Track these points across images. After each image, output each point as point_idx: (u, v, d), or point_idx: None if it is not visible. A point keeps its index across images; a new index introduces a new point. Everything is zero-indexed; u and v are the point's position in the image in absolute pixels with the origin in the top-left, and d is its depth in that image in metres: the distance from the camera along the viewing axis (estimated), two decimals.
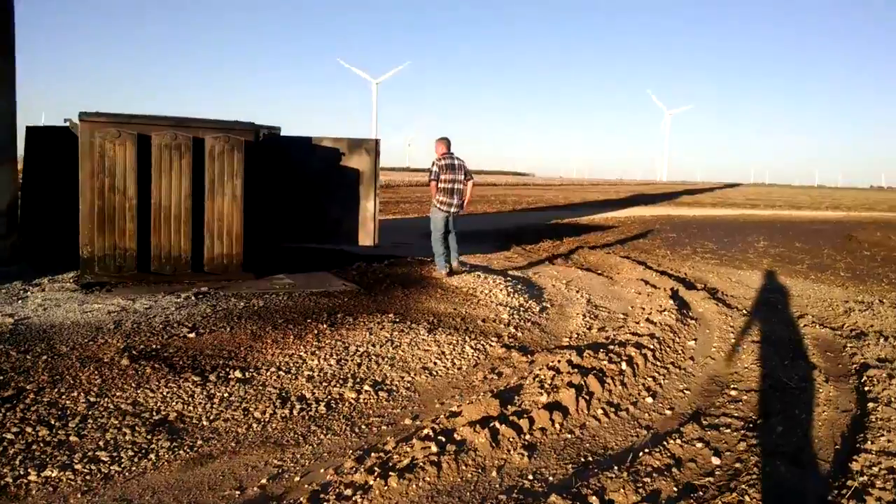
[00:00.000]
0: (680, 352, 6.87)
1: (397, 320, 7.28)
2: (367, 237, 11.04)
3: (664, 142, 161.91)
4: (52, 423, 4.40)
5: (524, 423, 4.41)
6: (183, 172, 8.52)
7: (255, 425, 4.58)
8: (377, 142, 11.01)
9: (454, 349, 6.44)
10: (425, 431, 4.37)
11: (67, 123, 8.66)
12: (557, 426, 4.57)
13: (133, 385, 5.09)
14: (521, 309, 8.26)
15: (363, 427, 4.66)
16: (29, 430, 4.27)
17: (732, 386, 5.95)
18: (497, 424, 4.31)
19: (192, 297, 7.90)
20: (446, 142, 10.47)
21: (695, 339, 7.38)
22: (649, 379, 5.89)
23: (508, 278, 10.35)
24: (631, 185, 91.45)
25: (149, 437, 4.28)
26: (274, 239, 10.31)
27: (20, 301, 7.54)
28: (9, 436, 4.18)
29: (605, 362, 5.83)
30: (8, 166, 9.31)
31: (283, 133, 10.63)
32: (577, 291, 10.07)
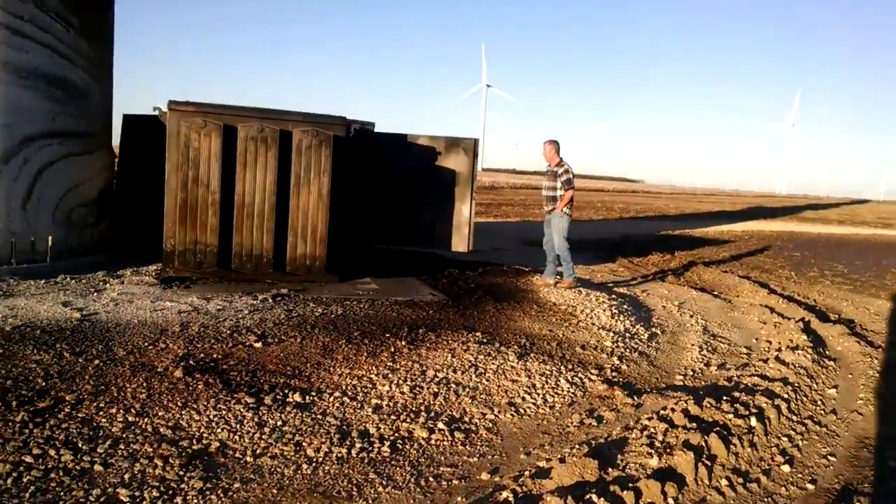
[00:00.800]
0: (819, 403, 5.71)
1: (485, 340, 6.46)
2: (461, 242, 10.28)
3: (787, 152, 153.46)
4: (80, 445, 3.84)
5: (628, 496, 3.49)
6: (268, 166, 8.01)
7: (304, 466, 3.87)
8: (476, 142, 10.24)
9: (547, 381, 5.54)
10: (504, 495, 3.53)
11: (157, 112, 8.34)
12: (671, 502, 3.62)
13: (179, 403, 4.51)
14: (627, 335, 7.26)
15: (431, 479, 3.86)
16: (52, 452, 3.73)
17: (890, 454, 4.79)
18: (594, 497, 3.42)
19: (269, 300, 7.36)
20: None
21: (835, 387, 6.18)
22: (784, 439, 4.81)
23: (613, 296, 9.33)
24: (748, 197, 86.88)
25: (181, 472, 3.65)
26: (363, 240, 9.71)
27: (95, 294, 7.21)
28: (28, 458, 3.64)
29: (731, 415, 4.80)
30: (101, 153, 9.11)
31: (377, 129, 10.03)
32: (691, 316, 8.94)
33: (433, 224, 10.20)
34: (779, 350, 7.15)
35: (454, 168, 10.20)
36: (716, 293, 11.26)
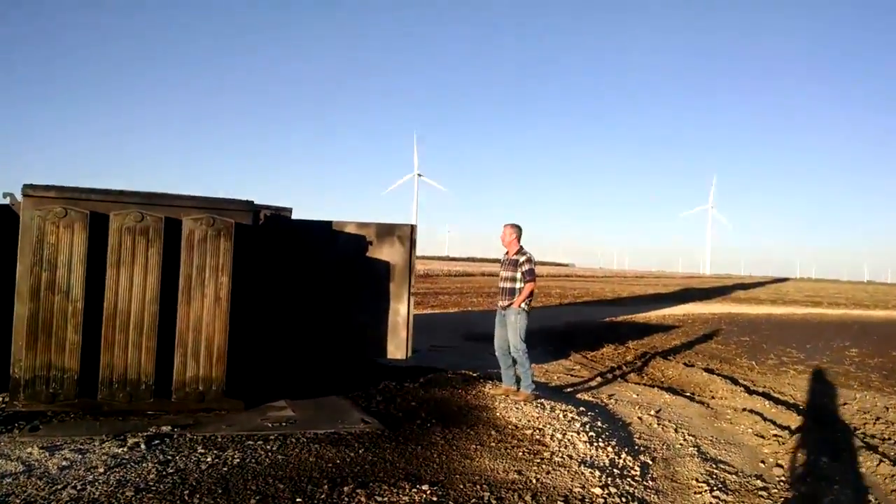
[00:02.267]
0: None
1: (433, 500, 4.65)
2: (397, 349, 8.53)
3: (708, 234, 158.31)
4: None
5: None
6: (150, 265, 6.18)
7: None
8: (413, 228, 8.66)
9: None
10: None
11: (8, 200, 6.48)
12: None
13: None
14: (616, 471, 5.53)
15: None
16: None
17: None
18: None
19: (142, 446, 5.38)
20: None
21: None
22: None
23: (581, 409, 7.66)
24: (677, 278, 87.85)
25: None
26: (277, 351, 7.82)
27: None
28: None
29: None
30: None
31: (295, 216, 8.33)
32: (676, 431, 7.34)
33: (364, 328, 8.44)
34: (801, 481, 5.57)
35: (388, 259, 8.56)
36: (688, 394, 9.75)
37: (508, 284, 7.95)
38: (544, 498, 4.81)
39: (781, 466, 6.19)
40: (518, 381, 8.03)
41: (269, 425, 6.21)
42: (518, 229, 8.08)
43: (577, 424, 6.83)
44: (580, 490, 5.02)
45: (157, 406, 6.31)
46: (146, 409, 6.27)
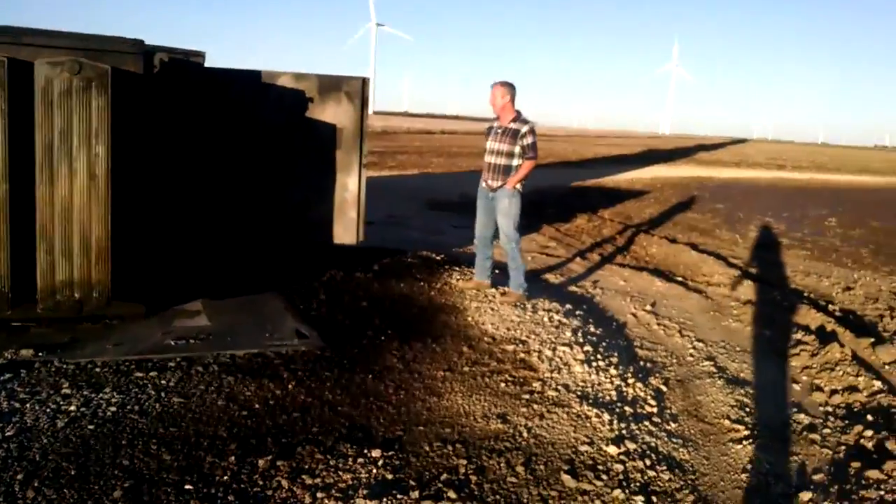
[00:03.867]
0: None
1: (389, 476, 3.23)
2: (346, 232, 6.90)
3: (670, 94, 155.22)
4: None
5: None
6: None
7: None
8: (364, 82, 6.78)
9: None
10: None
11: None
12: None
13: None
14: (626, 409, 4.15)
15: None
16: None
17: None
18: None
19: None
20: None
21: None
22: None
23: (567, 306, 6.28)
24: (639, 138, 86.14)
25: None
26: (192, 238, 6.13)
27: None
28: None
29: None
30: None
31: (210, 63, 6.36)
32: (680, 334, 6.06)
33: (305, 206, 6.75)
34: (864, 423, 4.30)
35: (334, 122, 6.74)
36: (680, 279, 8.48)
37: (503, 160, 6.12)
38: (542, 467, 3.42)
39: (822, 390, 4.94)
40: (491, 274, 6.54)
41: (172, 343, 4.64)
42: (512, 89, 6.20)
43: (568, 333, 5.43)
44: (588, 448, 3.63)
45: (23, 316, 4.69)
46: (9, 320, 4.66)
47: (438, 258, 7.96)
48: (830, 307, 7.31)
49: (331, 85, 6.72)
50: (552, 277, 7.89)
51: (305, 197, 6.73)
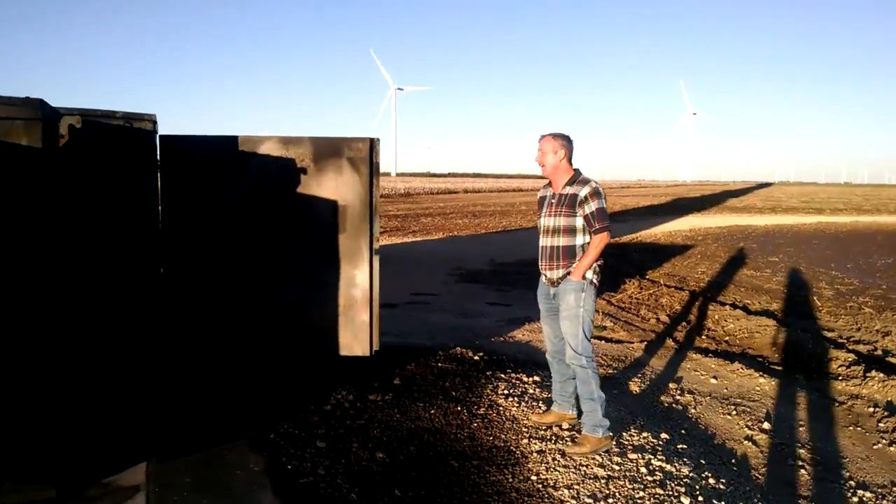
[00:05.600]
0: None
1: None
2: (357, 340, 5.13)
3: (688, 141, 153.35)
4: None
5: None
6: None
7: None
8: (372, 144, 5.10)
9: None
10: None
11: None
12: None
13: None
14: None
15: None
16: None
17: None
18: None
19: None
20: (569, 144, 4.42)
21: None
22: None
23: (663, 435, 4.43)
24: (659, 187, 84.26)
25: None
26: (133, 366, 4.40)
27: None
28: None
29: None
30: None
31: (168, 130, 4.73)
32: (825, 469, 4.17)
33: (300, 308, 5.03)
34: None
35: (335, 197, 5.07)
36: (780, 369, 6.59)
37: (562, 241, 4.25)
38: None
39: None
40: (577, 402, 4.50)
41: None
42: (567, 143, 4.37)
43: (682, 494, 3.57)
44: None
45: None
46: None
47: (476, 357, 6.18)
48: None
49: (329, 150, 5.06)
50: (625, 378, 6.02)
51: (300, 297, 5.00)
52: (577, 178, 4.29)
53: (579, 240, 4.24)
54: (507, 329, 7.74)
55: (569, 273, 4.21)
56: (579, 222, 4.21)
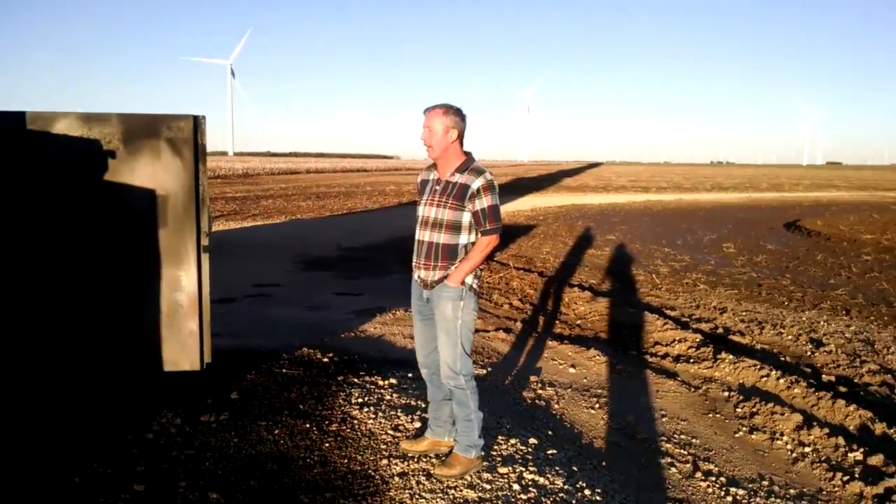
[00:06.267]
0: None
1: None
2: (184, 353, 4.36)
3: (527, 126, 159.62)
4: None
5: None
6: None
7: None
8: (196, 122, 4.31)
9: None
10: None
11: None
12: None
13: None
14: None
15: None
16: None
17: None
18: None
19: None
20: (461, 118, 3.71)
21: None
22: None
23: (532, 440, 4.12)
24: (500, 166, 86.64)
25: None
26: None
27: None
28: None
29: None
30: None
31: None
32: (694, 466, 4.05)
33: (111, 318, 4.20)
34: None
35: (152, 186, 4.24)
36: (633, 353, 6.60)
37: (444, 238, 3.62)
38: None
39: None
40: (453, 425, 3.92)
41: None
42: (461, 120, 3.64)
43: None
44: None
45: None
46: None
47: (326, 360, 5.62)
48: (841, 387, 5.59)
49: (144, 129, 4.22)
50: (484, 371, 5.69)
51: (110, 305, 4.16)
52: (468, 166, 3.63)
53: (463, 238, 3.63)
54: (358, 322, 7.20)
55: (446, 276, 3.64)
56: (466, 218, 3.59)
